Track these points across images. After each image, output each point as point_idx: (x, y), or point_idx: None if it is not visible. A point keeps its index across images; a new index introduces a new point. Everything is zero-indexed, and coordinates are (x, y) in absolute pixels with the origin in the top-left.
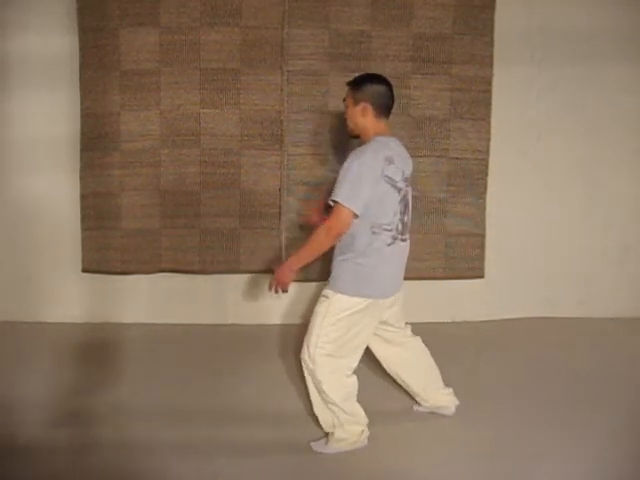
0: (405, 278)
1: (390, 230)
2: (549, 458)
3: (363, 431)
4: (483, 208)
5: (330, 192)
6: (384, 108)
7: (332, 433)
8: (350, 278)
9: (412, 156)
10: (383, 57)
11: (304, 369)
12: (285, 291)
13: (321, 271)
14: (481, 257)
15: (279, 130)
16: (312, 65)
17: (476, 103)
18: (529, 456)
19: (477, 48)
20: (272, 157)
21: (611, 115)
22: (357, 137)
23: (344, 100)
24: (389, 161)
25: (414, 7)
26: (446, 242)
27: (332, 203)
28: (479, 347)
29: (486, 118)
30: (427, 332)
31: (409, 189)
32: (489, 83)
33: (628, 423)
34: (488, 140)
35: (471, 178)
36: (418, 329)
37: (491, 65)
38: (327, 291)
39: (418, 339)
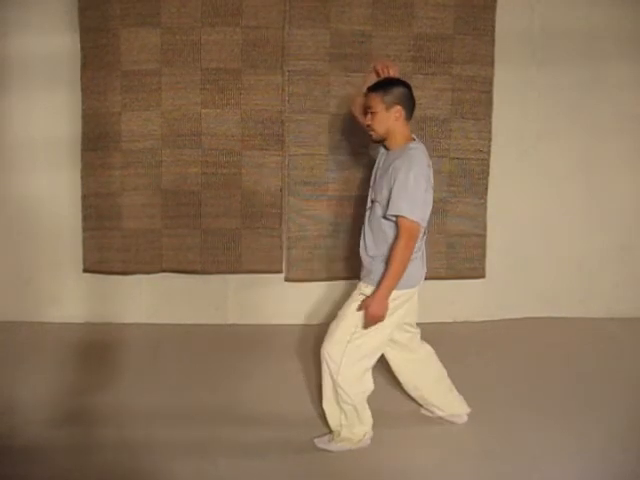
0: None
1: (425, 226)
2: (549, 458)
3: (367, 432)
4: (484, 208)
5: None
6: (412, 111)
7: (337, 432)
8: None
9: None
10: (384, 57)
11: (323, 364)
12: (383, 320)
13: (319, 270)
14: (482, 257)
15: (280, 130)
16: (313, 65)
17: (477, 103)
18: (529, 456)
19: (478, 48)
20: (273, 157)
21: (611, 115)
22: (380, 142)
23: (369, 107)
24: (429, 166)
25: (415, 7)
26: (447, 242)
27: (394, 218)
28: (480, 347)
29: (487, 118)
30: (428, 332)
31: None
32: (490, 83)
33: (628, 423)
34: (489, 140)
35: (472, 178)
36: (419, 329)
37: (492, 65)
38: (367, 289)
39: (428, 346)
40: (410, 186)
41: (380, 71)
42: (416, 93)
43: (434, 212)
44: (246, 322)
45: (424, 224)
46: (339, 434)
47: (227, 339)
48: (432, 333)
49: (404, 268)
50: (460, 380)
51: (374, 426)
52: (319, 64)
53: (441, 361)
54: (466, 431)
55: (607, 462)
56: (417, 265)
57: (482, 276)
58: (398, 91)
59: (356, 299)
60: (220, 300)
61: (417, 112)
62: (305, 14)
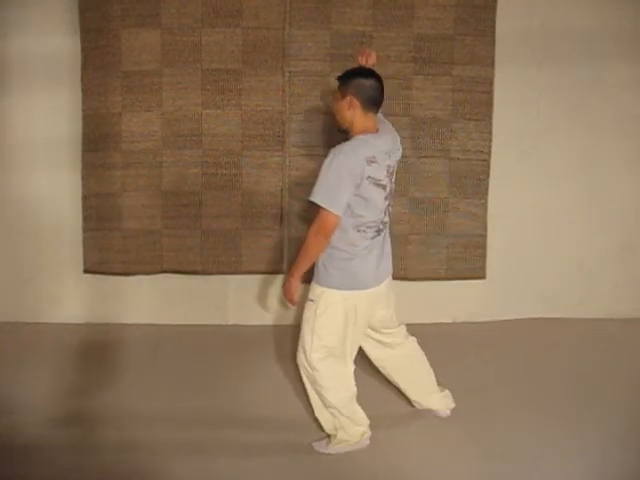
0: (407, 279)
1: (375, 225)
2: (549, 458)
3: (364, 432)
4: (485, 208)
5: None
6: (371, 102)
7: (334, 435)
8: (337, 274)
9: (413, 157)
10: (384, 58)
11: (302, 374)
12: (294, 304)
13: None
14: (483, 258)
15: (281, 131)
16: (313, 66)
17: (477, 103)
18: (529, 456)
19: (478, 48)
20: (274, 158)
21: (611, 115)
22: (345, 132)
23: (333, 94)
24: (370, 161)
25: (415, 8)
26: (447, 243)
27: (313, 202)
28: (480, 347)
29: (487, 118)
30: (428, 333)
31: (393, 176)
32: (490, 83)
33: (628, 423)
34: (490, 140)
35: (473, 179)
36: (419, 330)
37: (492, 65)
38: (313, 293)
39: (413, 340)
40: (328, 175)
41: (360, 61)
42: (416, 94)
43: (434, 212)
44: (246, 323)
45: (370, 223)
46: (336, 437)
47: (227, 340)
48: (432, 333)
49: (312, 254)
50: (460, 380)
51: (373, 427)
52: (320, 65)
53: (442, 361)
54: (466, 431)
55: (607, 462)
56: (366, 265)
57: (482, 277)
58: (354, 81)
59: (307, 306)
60: (220, 300)
61: (418, 112)
62: (306, 15)
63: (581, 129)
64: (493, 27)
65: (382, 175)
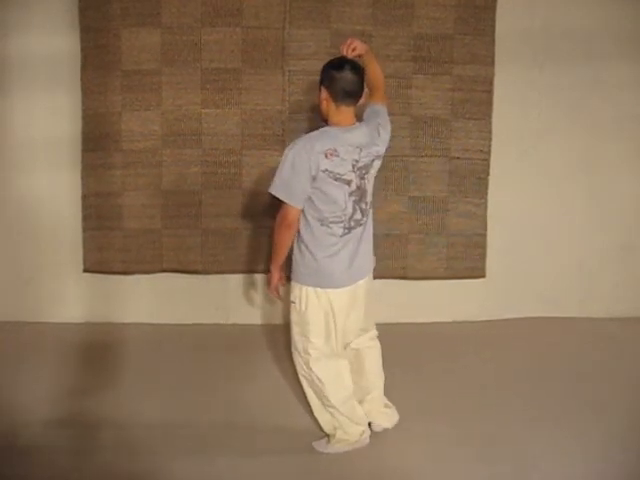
0: (406, 278)
1: (341, 221)
2: (549, 458)
3: (364, 431)
4: (485, 208)
5: None
6: (343, 94)
7: (333, 434)
8: (307, 271)
9: (413, 156)
10: (384, 57)
11: (299, 375)
12: (277, 296)
13: None
14: (482, 257)
15: (280, 130)
16: (313, 65)
17: (477, 103)
18: (529, 456)
19: (478, 48)
20: (273, 157)
21: (612, 115)
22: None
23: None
24: (329, 154)
25: (415, 7)
26: (447, 242)
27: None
28: (480, 347)
29: (487, 118)
30: (428, 332)
31: (370, 173)
32: (490, 83)
33: (628, 423)
34: (489, 140)
35: (473, 178)
36: (419, 329)
37: (492, 65)
38: (293, 293)
39: (376, 348)
40: (284, 167)
41: (342, 51)
42: (416, 93)
43: (434, 211)
44: (247, 322)
45: (332, 218)
46: (335, 436)
47: (228, 339)
48: (432, 333)
49: (281, 245)
50: (459, 380)
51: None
52: (319, 64)
53: (441, 360)
54: (466, 430)
55: (607, 462)
56: (336, 264)
57: (482, 276)
58: (326, 73)
59: (291, 309)
60: (220, 300)
61: (418, 112)
62: (305, 14)
63: (581, 129)
64: (493, 27)
65: (345, 170)
